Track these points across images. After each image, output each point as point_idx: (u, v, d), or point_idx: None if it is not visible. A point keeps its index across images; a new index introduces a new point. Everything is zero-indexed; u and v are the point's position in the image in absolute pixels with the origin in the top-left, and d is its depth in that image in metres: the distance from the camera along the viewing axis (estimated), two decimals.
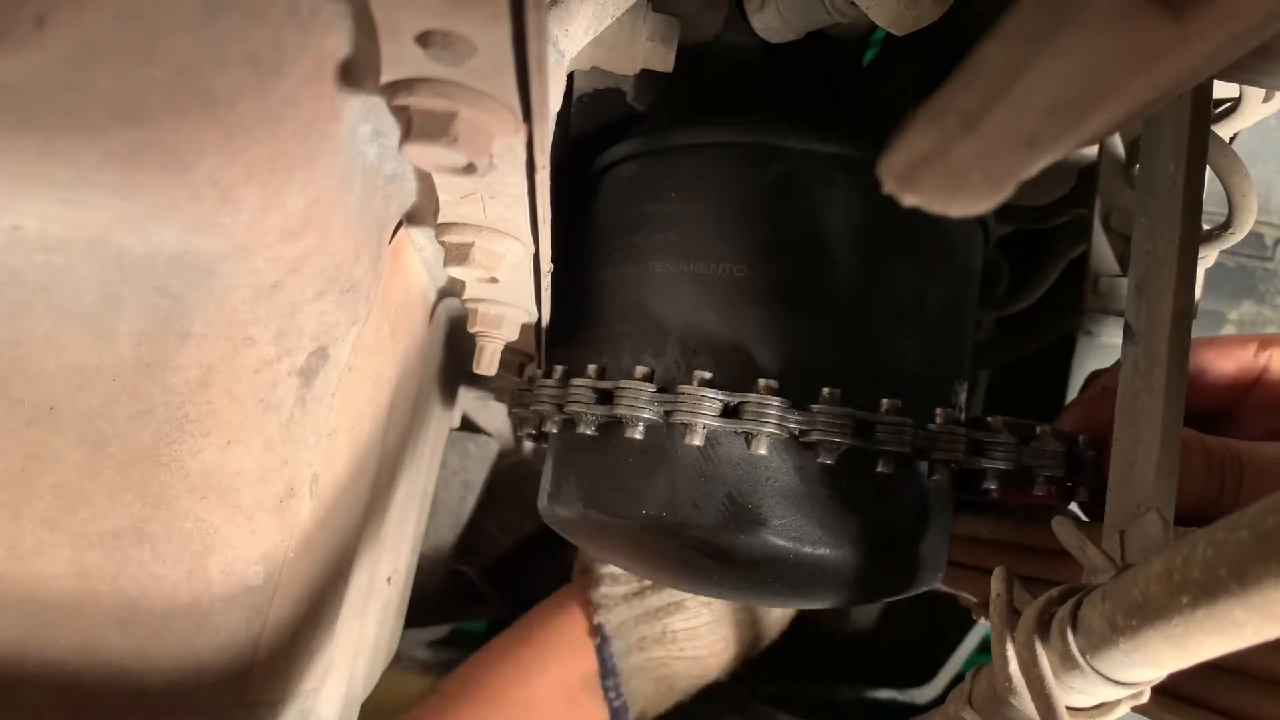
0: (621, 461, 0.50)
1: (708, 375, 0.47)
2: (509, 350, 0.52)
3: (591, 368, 0.51)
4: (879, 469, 0.47)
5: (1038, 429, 0.51)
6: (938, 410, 0.49)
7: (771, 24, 0.53)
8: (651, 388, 0.48)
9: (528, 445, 0.95)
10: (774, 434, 0.46)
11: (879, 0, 0.44)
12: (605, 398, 0.49)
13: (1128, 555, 0.39)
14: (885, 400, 0.47)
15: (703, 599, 0.76)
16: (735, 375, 0.48)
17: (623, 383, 0.48)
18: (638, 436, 0.48)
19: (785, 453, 0.48)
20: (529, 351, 0.57)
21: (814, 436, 0.46)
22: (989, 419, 0.50)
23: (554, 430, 0.54)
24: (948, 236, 0.54)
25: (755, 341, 0.49)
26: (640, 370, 0.50)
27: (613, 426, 0.50)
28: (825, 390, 0.47)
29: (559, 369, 0.53)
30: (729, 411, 0.47)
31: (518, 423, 0.59)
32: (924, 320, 0.52)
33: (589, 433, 0.50)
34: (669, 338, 0.50)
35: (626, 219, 0.54)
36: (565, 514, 0.54)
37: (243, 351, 0.36)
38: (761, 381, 0.47)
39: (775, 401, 0.46)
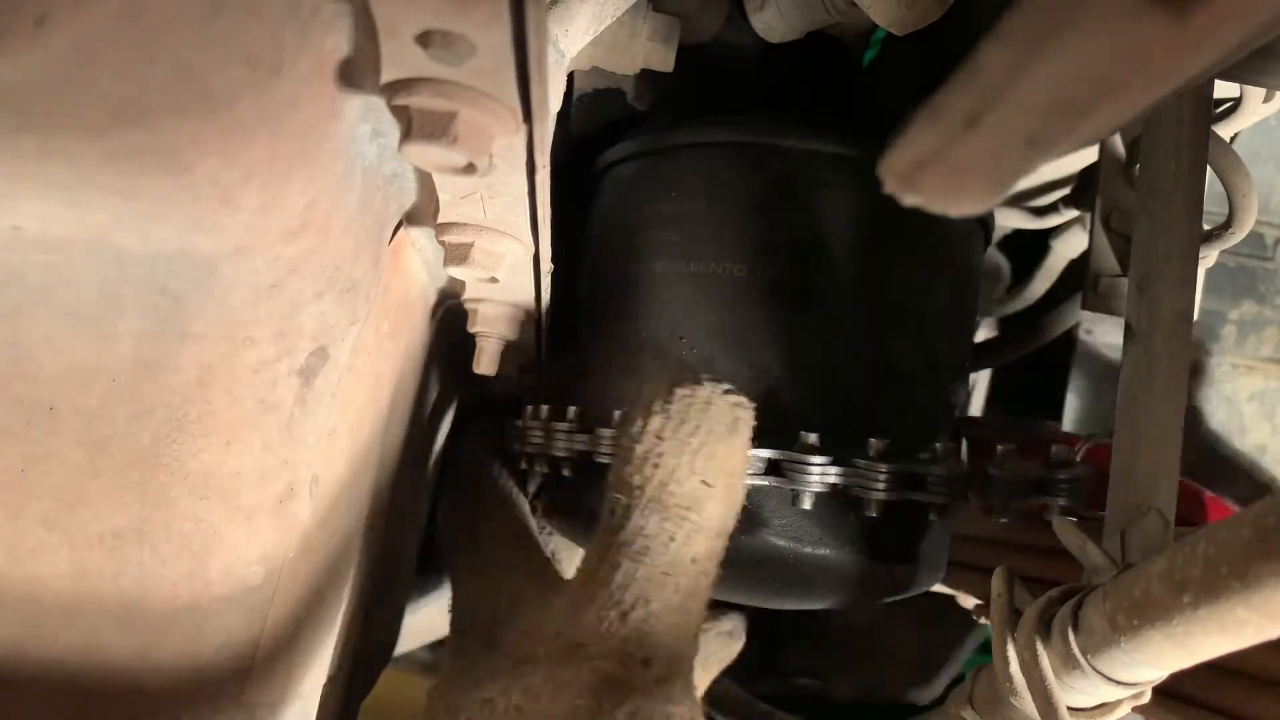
0: None
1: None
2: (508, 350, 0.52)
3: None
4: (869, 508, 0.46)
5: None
6: (937, 445, 0.48)
7: (771, 23, 0.53)
8: None
9: None
10: None
11: (879, 0, 0.44)
12: None
13: (1128, 555, 0.39)
14: (874, 441, 0.46)
15: None
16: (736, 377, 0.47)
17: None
18: None
19: None
20: (529, 351, 0.57)
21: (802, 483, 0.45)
22: (1001, 449, 0.49)
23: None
24: (948, 237, 0.53)
25: (755, 343, 0.49)
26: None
27: None
28: (809, 436, 0.46)
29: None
30: None
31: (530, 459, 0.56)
32: (923, 320, 0.52)
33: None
34: (669, 337, 0.50)
35: (627, 219, 0.54)
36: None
37: (243, 351, 0.36)
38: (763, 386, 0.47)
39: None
